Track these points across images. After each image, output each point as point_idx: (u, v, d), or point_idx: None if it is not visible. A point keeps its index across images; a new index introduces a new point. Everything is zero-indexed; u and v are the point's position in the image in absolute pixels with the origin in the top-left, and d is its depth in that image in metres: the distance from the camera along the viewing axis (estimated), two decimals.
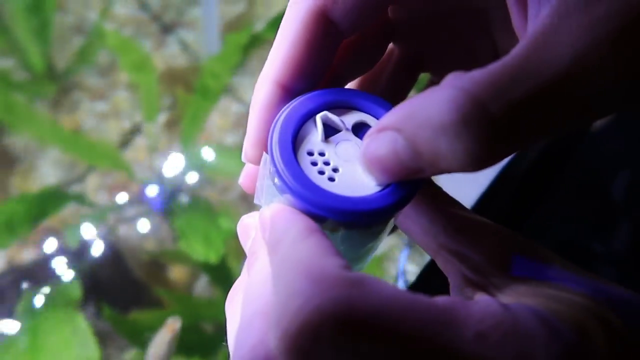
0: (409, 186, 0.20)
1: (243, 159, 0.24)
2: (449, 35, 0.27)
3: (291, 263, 0.18)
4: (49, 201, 0.87)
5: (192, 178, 0.98)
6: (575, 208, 0.55)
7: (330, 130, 0.22)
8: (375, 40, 0.26)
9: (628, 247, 0.53)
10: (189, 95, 1.02)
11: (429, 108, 0.17)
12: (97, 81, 1.12)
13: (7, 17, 1.04)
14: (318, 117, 0.22)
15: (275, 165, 0.21)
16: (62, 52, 1.12)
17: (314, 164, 0.21)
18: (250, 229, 0.23)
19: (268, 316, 0.18)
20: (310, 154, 0.21)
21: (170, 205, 0.94)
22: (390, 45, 0.27)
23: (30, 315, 0.75)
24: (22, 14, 1.01)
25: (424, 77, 0.29)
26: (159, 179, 0.98)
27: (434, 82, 0.29)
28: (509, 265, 0.20)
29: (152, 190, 0.95)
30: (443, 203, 0.23)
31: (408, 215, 0.23)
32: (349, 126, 0.22)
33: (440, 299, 0.17)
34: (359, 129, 0.22)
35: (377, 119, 0.22)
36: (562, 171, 0.54)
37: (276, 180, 0.21)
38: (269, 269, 0.19)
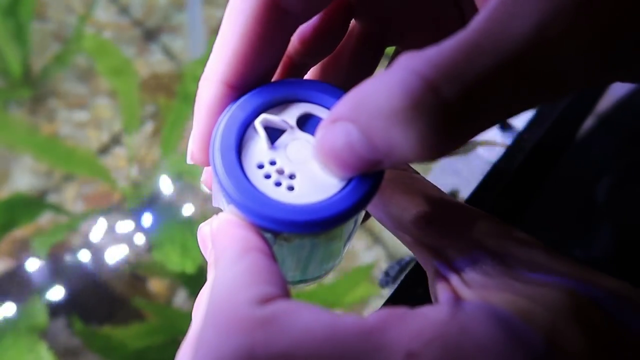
0: (370, 180, 0.19)
1: (189, 160, 0.22)
2: (412, 4, 0.24)
3: (214, 295, 0.17)
4: (20, 209, 0.84)
5: (170, 187, 0.95)
6: (556, 213, 0.54)
7: (274, 133, 0.20)
8: (334, 21, 0.24)
9: (609, 252, 0.52)
10: (170, 102, 1.00)
11: (379, 94, 0.16)
12: (76, 88, 1.09)
13: None
14: (257, 124, 0.20)
15: (218, 178, 0.19)
16: (42, 58, 1.10)
17: (268, 176, 0.19)
18: (207, 239, 0.22)
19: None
20: (261, 166, 0.20)
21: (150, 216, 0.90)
22: (352, 21, 0.25)
23: None
24: None
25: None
26: (142, 192, 0.95)
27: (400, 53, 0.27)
28: (482, 256, 0.19)
29: (146, 216, 0.91)
30: (415, 189, 0.21)
31: (377, 205, 0.21)
32: (293, 122, 0.20)
33: (373, 317, 0.16)
34: (305, 123, 0.21)
35: (325, 107, 0.21)
36: (545, 177, 0.53)
37: (221, 191, 0.20)
38: None
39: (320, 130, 0.18)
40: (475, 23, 0.16)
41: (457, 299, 0.17)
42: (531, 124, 0.50)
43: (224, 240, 0.19)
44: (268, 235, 0.19)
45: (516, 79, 0.15)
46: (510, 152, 0.45)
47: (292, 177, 0.19)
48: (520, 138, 0.49)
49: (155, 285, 0.92)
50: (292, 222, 0.18)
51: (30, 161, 0.99)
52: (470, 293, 0.18)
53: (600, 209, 0.53)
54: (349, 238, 0.23)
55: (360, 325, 0.15)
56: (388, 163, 0.17)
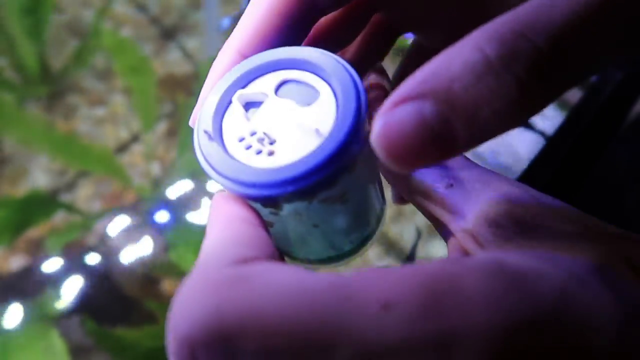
0: (347, 131, 0.18)
1: (190, 123, 0.23)
2: None
3: (196, 263, 0.17)
4: (37, 207, 0.84)
5: (186, 187, 0.94)
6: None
7: (253, 105, 0.21)
8: (358, 14, 0.24)
9: None
10: (188, 100, 0.99)
11: (463, 55, 0.15)
12: (93, 85, 1.09)
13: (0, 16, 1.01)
14: (235, 100, 0.21)
15: (196, 152, 0.20)
16: (58, 53, 1.09)
17: (249, 147, 0.20)
18: None
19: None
20: (242, 139, 0.20)
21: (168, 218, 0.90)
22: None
23: (4, 330, 0.71)
24: (17, 13, 0.98)
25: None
26: (158, 192, 0.94)
27: (420, 43, 0.27)
28: (505, 220, 0.17)
29: (162, 216, 0.91)
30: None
31: (398, 176, 0.20)
32: (272, 90, 0.21)
33: (353, 272, 0.14)
34: (285, 88, 0.21)
35: (304, 70, 0.21)
36: (579, 186, 0.51)
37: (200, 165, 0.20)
38: None
39: (380, 117, 0.16)
40: None
41: (463, 255, 0.16)
42: (563, 126, 0.49)
43: (213, 213, 0.19)
44: (258, 206, 0.20)
45: (599, 25, 0.15)
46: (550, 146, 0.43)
47: (272, 143, 0.20)
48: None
49: (169, 286, 0.91)
50: (265, 184, 0.18)
51: (44, 159, 0.99)
52: (481, 252, 0.16)
53: (630, 219, 0.52)
54: (368, 206, 0.22)
55: (336, 279, 0.14)
56: (464, 139, 0.15)
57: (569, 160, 0.47)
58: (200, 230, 0.83)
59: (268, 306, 0.14)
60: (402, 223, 1.03)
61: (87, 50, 1.05)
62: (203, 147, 0.20)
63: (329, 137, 0.18)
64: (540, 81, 0.14)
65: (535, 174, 0.47)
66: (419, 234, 0.92)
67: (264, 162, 0.19)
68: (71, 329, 0.79)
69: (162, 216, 0.90)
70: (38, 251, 0.87)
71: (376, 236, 0.24)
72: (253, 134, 0.20)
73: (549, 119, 0.64)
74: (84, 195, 0.97)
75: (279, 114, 0.20)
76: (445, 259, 0.15)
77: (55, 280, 0.84)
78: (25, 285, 0.83)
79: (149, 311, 0.86)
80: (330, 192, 0.19)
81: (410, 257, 0.73)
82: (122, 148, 1.03)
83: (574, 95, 0.58)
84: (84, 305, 0.83)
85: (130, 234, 0.91)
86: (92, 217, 0.91)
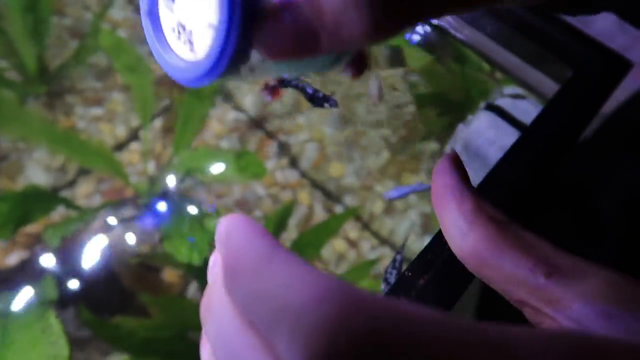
0: (242, 19, 0.19)
1: None
2: None
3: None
4: (35, 202, 0.86)
5: (180, 183, 0.96)
6: (553, 227, 0.51)
7: None
8: None
9: (615, 265, 0.50)
10: (182, 98, 1.01)
11: None
12: (92, 84, 1.11)
13: (0, 17, 1.03)
14: None
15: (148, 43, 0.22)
16: (59, 55, 1.11)
17: (179, 37, 0.22)
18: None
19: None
20: (173, 29, 0.22)
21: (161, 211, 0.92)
22: None
23: (2, 314, 0.73)
24: (17, 14, 1.00)
25: None
26: (155, 188, 0.96)
27: None
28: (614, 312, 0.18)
29: (161, 206, 0.92)
30: (526, 242, 0.21)
31: (486, 261, 0.20)
32: None
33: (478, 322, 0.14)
34: None
35: None
36: (548, 186, 0.51)
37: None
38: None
39: (269, 15, 0.19)
40: None
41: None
42: (536, 122, 0.50)
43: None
44: None
45: None
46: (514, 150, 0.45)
47: (191, 33, 0.21)
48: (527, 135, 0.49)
49: (165, 276, 0.93)
50: (190, 79, 0.20)
51: (43, 156, 1.00)
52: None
53: (606, 223, 0.51)
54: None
55: (468, 320, 0.14)
56: (327, 43, 0.19)
57: (543, 153, 0.48)
58: (193, 222, 0.85)
59: (420, 319, 0.13)
60: (394, 218, 1.04)
61: (84, 51, 1.07)
62: (149, 38, 0.22)
63: (217, 28, 0.19)
64: (389, 20, 0.19)
65: (508, 165, 0.48)
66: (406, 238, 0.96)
67: (187, 53, 0.21)
68: (67, 322, 0.81)
69: (158, 209, 0.92)
70: (37, 246, 0.89)
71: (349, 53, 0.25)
72: (178, 24, 0.22)
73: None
74: (82, 192, 0.99)
75: (191, 3, 0.21)
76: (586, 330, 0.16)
77: (53, 273, 0.86)
78: (24, 278, 0.85)
79: (144, 302, 0.88)
80: (251, 63, 0.21)
81: (399, 252, 0.76)
82: (120, 145, 1.05)
83: (551, 89, 0.59)
84: (81, 296, 0.85)
85: (127, 227, 0.93)
86: (89, 211, 0.93)
